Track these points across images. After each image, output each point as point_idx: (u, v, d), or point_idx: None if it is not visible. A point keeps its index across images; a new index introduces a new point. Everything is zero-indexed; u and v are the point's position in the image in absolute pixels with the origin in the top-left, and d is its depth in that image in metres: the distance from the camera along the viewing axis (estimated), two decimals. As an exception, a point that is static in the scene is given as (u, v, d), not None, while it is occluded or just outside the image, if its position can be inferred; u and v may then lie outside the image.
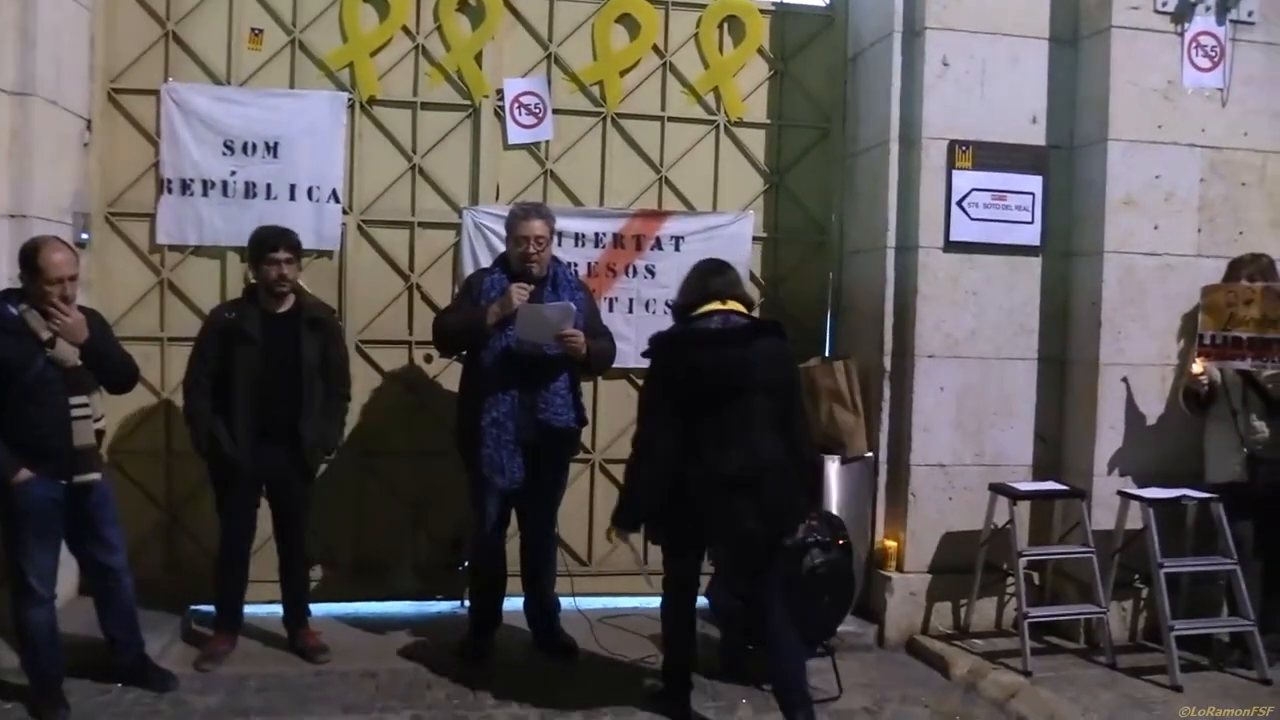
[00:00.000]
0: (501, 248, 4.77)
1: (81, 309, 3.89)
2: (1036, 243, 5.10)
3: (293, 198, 5.10)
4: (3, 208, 4.27)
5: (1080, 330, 5.07)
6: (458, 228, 5.27)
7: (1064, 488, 4.96)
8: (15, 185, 4.33)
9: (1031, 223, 5.08)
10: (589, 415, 4.95)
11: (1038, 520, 5.15)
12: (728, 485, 3.71)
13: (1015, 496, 4.82)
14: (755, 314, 4.13)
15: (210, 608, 4.68)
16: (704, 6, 5.46)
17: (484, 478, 4.41)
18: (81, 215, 4.83)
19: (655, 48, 5.43)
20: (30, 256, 3.74)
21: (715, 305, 3.87)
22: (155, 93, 5.02)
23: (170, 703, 4.06)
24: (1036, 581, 5.17)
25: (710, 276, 3.96)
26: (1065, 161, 5.12)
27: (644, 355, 3.95)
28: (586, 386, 5.00)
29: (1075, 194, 5.12)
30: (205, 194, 5.05)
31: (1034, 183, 5.07)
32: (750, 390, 3.77)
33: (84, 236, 4.83)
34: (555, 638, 4.74)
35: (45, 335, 3.74)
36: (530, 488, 4.51)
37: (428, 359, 5.24)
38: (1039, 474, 5.14)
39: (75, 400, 3.81)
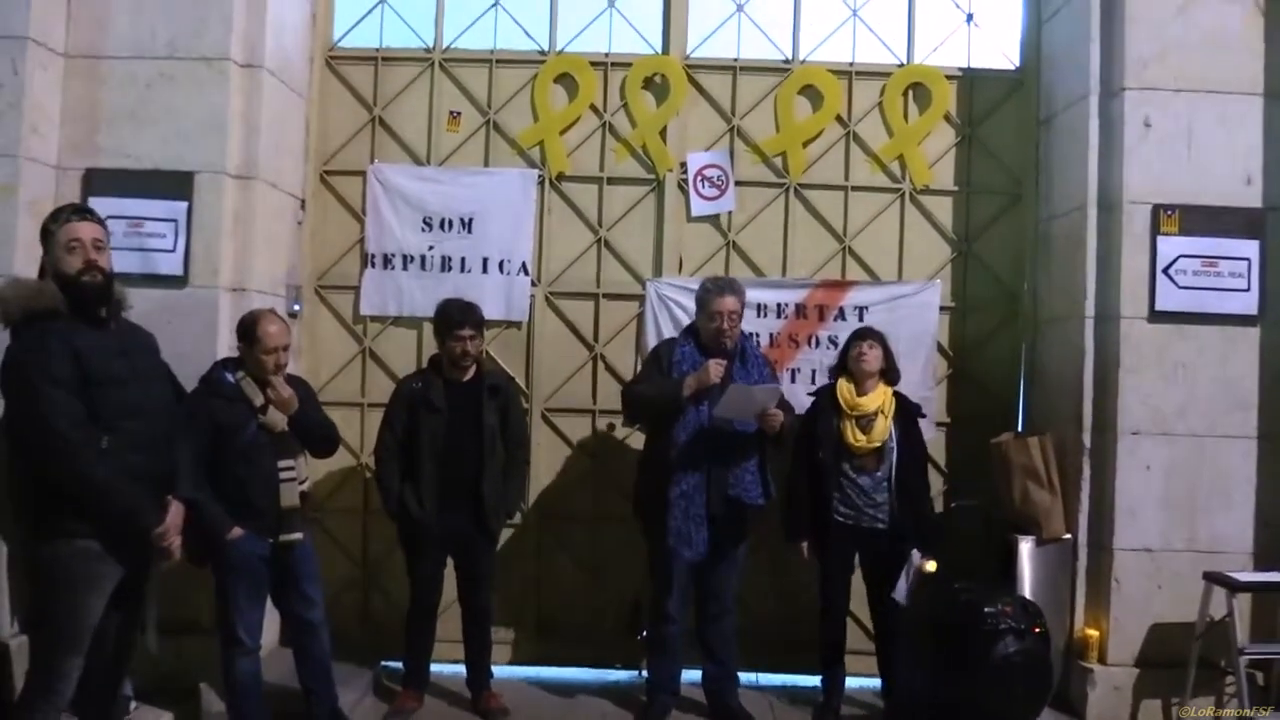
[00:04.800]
0: (684, 319, 4.81)
1: (290, 377, 4.15)
2: (1254, 311, 4.75)
3: (485, 270, 5.33)
4: (225, 282, 4.62)
5: (1307, 405, 4.67)
6: (641, 299, 5.36)
7: (1292, 578, 4.53)
8: (237, 261, 4.68)
9: (1248, 290, 4.74)
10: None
11: (1261, 613, 4.71)
12: None
13: (1235, 587, 4.42)
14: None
15: (399, 664, 4.83)
16: (888, 75, 5.41)
17: (669, 548, 4.42)
18: (294, 288, 5.19)
19: (839, 117, 5.42)
20: (249, 328, 4.03)
21: None
22: (362, 173, 5.37)
23: (360, 757, 4.21)
24: (1261, 681, 4.71)
25: None
26: (1285, 224, 4.78)
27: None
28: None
29: (1298, 259, 4.76)
30: (405, 268, 5.34)
31: (1250, 247, 4.74)
32: None
33: (296, 308, 5.19)
34: (733, 712, 4.65)
35: (259, 401, 4.00)
36: (712, 559, 4.49)
37: (610, 428, 5.32)
38: (1262, 562, 4.71)
39: (283, 463, 4.04)
